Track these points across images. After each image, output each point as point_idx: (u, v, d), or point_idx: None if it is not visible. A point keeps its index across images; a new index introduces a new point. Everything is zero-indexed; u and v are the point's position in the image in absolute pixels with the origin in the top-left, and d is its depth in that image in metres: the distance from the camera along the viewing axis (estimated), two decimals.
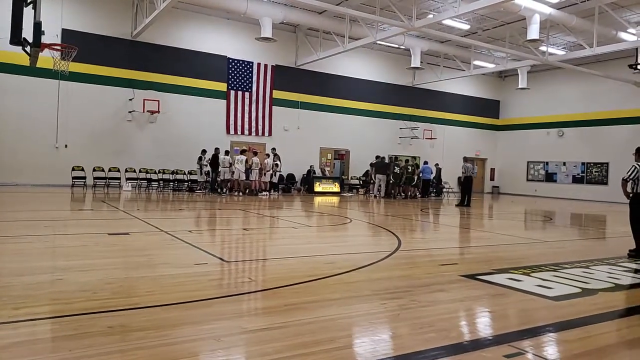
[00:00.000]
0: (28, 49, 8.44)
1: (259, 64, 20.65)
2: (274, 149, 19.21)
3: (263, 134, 20.94)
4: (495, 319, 3.76)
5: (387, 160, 19.58)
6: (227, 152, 17.93)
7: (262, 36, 17.10)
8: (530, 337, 3.28)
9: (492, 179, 28.86)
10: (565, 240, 9.19)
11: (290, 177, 21.24)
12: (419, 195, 20.45)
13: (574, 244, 8.75)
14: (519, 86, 23.80)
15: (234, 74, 20.22)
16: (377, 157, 20.81)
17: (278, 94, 21.21)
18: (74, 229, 8.12)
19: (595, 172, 24.23)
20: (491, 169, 28.84)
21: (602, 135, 23.93)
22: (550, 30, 18.70)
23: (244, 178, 17.67)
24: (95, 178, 16.76)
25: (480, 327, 3.58)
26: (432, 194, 21.59)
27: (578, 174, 24.97)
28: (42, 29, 8.24)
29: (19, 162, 16.11)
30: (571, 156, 25.26)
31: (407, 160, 20.24)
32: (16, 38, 7.92)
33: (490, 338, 3.26)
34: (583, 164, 24.75)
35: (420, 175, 20.51)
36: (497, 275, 5.18)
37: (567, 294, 4.49)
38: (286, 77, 21.36)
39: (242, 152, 17.86)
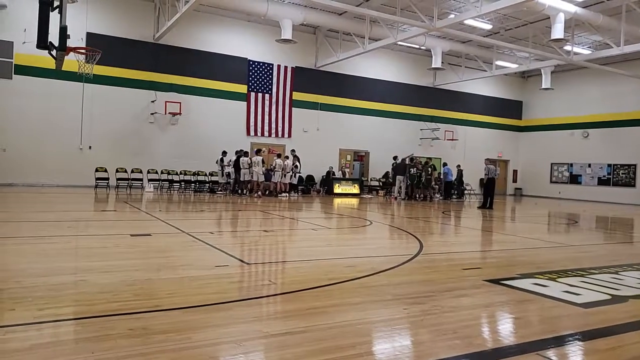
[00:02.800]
0: (54, 52, 8.61)
1: (279, 66, 20.72)
2: (293, 150, 19.23)
3: (283, 135, 21.01)
4: (522, 326, 3.66)
5: (407, 161, 19.38)
6: (246, 154, 17.99)
7: (282, 38, 17.17)
8: (558, 345, 3.17)
9: (514, 180, 28.41)
10: (592, 244, 8.95)
11: (310, 178, 21.23)
12: (440, 197, 20.21)
13: (601, 248, 8.51)
14: (543, 86, 23.38)
15: (254, 76, 20.32)
16: (395, 157, 20.62)
17: (298, 96, 21.25)
18: (96, 229, 8.23)
19: (622, 173, 23.63)
20: (514, 170, 28.38)
21: (629, 136, 23.34)
22: (576, 29, 18.30)
23: (263, 179, 17.71)
24: (118, 179, 17.03)
25: (506, 335, 3.49)
26: (454, 196, 21.33)
27: (604, 176, 24.40)
28: (68, 33, 8.40)
29: (45, 163, 16.48)
30: (596, 158, 24.69)
31: (425, 163, 19.97)
32: (43, 42, 8.09)
33: (517, 346, 3.16)
34: (609, 165, 24.17)
35: (441, 177, 20.31)
36: (522, 280, 5.04)
37: (596, 301, 4.34)
38: (306, 79, 21.39)
39: (257, 152, 17.87)
